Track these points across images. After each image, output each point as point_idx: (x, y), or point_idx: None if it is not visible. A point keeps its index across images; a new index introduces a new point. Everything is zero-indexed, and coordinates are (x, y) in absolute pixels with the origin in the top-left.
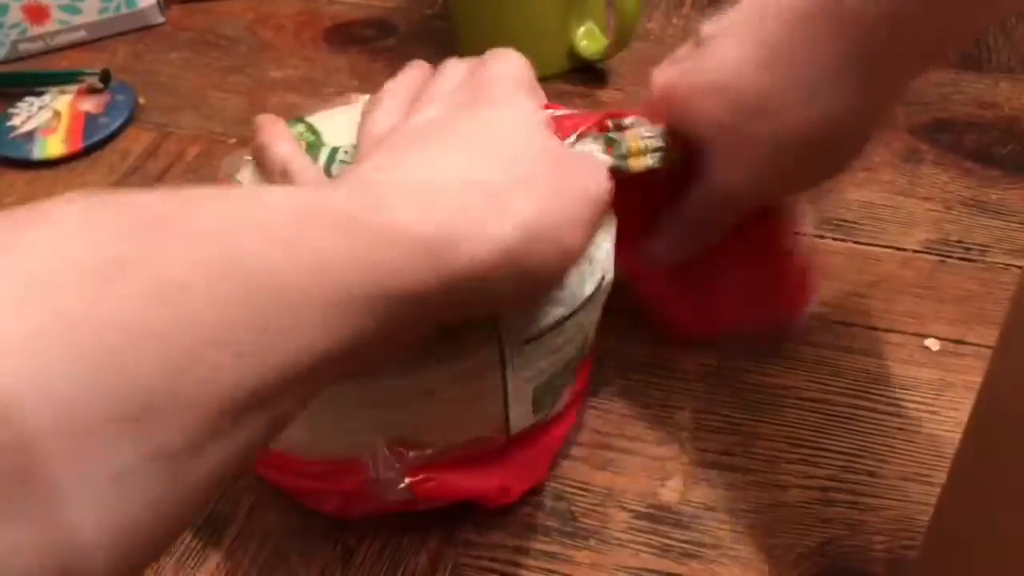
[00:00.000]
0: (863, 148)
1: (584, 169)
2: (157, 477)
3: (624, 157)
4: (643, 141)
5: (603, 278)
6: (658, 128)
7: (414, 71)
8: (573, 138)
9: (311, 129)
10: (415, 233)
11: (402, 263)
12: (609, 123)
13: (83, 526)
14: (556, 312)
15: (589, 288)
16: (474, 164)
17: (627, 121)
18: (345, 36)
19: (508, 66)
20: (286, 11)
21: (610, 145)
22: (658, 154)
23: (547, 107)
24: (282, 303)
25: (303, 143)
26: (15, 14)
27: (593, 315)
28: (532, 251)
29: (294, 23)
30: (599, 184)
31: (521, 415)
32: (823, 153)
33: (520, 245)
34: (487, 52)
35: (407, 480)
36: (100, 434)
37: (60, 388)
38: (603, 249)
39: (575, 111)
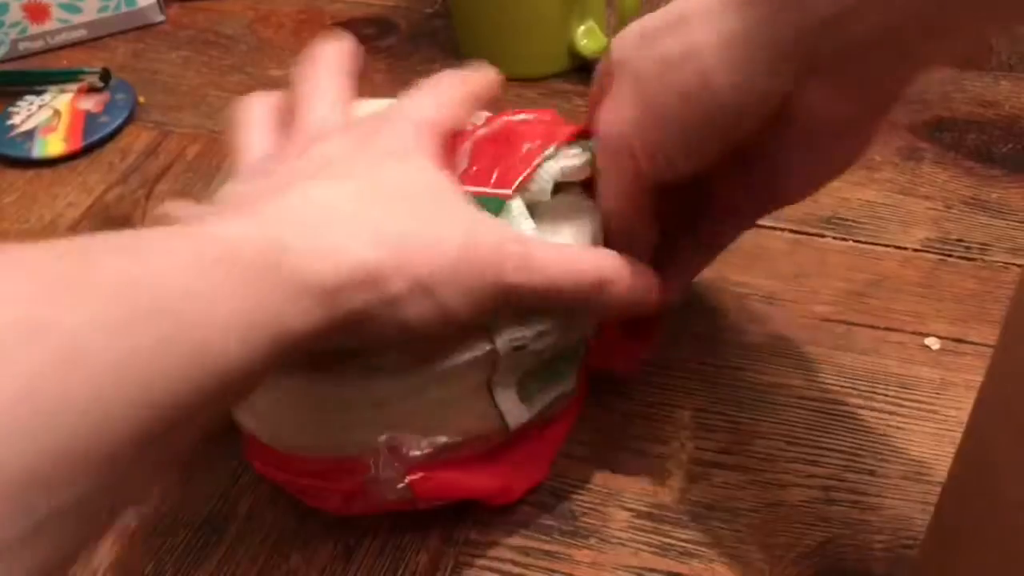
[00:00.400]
0: (759, 124)
1: (498, 261)
2: (72, 525)
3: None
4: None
5: None
6: None
7: (259, 107)
8: (552, 150)
9: None
10: (316, 283)
11: (299, 314)
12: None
13: None
14: (546, 320)
15: None
16: (382, 211)
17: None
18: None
19: (403, 125)
20: (286, 10)
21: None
22: None
23: (512, 113)
24: (178, 360)
25: None
26: (15, 13)
27: (581, 311)
28: (415, 307)
29: (294, 22)
30: (505, 282)
31: (516, 414)
32: (691, 102)
33: (405, 298)
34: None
35: (407, 479)
36: (14, 495)
37: None
38: (583, 237)
39: (531, 116)
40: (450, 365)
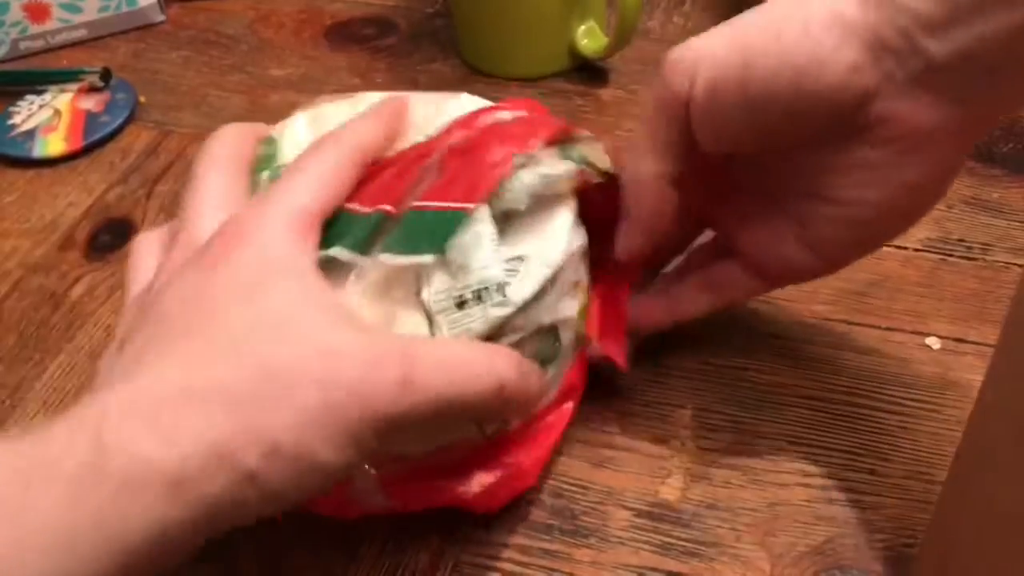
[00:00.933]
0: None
1: (377, 383)
2: None
3: (584, 160)
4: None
5: (555, 275)
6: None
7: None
8: (523, 157)
9: (271, 142)
10: (153, 471)
11: (137, 509)
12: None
13: None
14: (493, 314)
15: (529, 289)
16: (225, 374)
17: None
18: (346, 34)
19: (271, 221)
20: (286, 9)
21: (574, 160)
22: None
23: (491, 111)
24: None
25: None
26: (16, 12)
27: (552, 309)
28: (277, 476)
29: (294, 21)
30: (390, 410)
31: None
32: (778, 49)
33: (266, 471)
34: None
35: (384, 488)
36: None
37: None
38: (556, 247)
39: (512, 113)
40: None
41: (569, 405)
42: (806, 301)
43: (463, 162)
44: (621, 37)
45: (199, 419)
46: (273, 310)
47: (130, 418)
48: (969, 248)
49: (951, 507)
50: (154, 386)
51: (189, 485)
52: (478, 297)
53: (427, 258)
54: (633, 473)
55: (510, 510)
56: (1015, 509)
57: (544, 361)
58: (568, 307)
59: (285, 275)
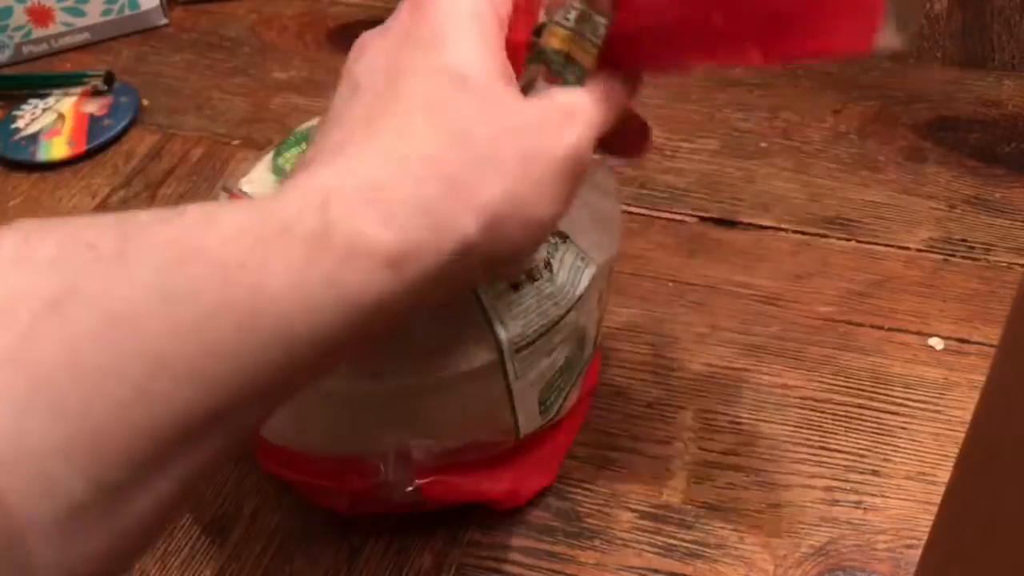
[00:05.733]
0: None
1: (554, 130)
2: (109, 511)
3: (566, 63)
4: (561, 25)
5: (595, 271)
6: None
7: None
8: (539, 25)
9: (299, 134)
10: (373, 248)
11: (361, 279)
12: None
13: (42, 564)
14: (552, 313)
15: (582, 286)
16: (428, 144)
17: (546, 19)
18: (348, 37)
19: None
20: (289, 12)
21: (544, 63)
22: (589, 21)
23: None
24: (233, 327)
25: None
26: (19, 16)
27: (589, 310)
28: (498, 238)
29: (297, 24)
30: (571, 145)
31: (529, 418)
32: None
33: (486, 236)
34: None
35: (416, 482)
36: (50, 472)
37: (4, 427)
38: (592, 242)
39: None
40: (452, 372)
41: (585, 406)
42: (808, 302)
43: None
44: None
45: (414, 194)
46: (454, 67)
47: (348, 197)
48: (971, 248)
49: (954, 508)
50: (363, 164)
51: (409, 261)
52: (530, 277)
53: None
54: (637, 475)
55: (514, 511)
56: (1019, 510)
57: (570, 368)
58: (594, 318)
59: (467, 28)
